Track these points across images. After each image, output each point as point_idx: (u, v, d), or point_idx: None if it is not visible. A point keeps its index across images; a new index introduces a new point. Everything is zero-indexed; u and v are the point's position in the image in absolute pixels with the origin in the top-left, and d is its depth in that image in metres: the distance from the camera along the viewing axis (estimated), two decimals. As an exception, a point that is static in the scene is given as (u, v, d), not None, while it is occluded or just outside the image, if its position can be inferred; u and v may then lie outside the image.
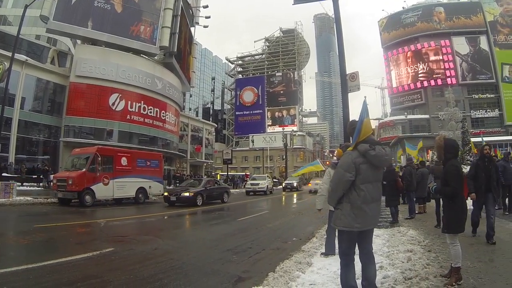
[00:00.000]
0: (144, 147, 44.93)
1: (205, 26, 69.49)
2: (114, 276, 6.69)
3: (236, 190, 48.57)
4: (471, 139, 47.34)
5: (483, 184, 9.20)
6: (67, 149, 37.02)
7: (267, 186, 41.10)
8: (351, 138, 5.39)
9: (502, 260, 7.42)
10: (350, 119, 7.80)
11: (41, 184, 33.27)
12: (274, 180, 61.24)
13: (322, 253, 8.23)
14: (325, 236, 8.63)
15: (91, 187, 21.51)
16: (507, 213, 14.10)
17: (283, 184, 51.26)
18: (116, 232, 12.34)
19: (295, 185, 48.10)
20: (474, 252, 7.80)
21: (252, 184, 41.31)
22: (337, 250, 8.06)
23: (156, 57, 53.57)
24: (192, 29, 66.51)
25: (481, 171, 9.28)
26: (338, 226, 5.07)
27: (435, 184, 6.23)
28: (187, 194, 23.15)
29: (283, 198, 34.35)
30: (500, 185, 13.69)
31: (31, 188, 30.67)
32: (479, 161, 9.71)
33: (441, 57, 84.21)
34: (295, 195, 38.70)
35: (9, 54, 27.65)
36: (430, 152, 35.10)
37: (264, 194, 38.85)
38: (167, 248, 9.72)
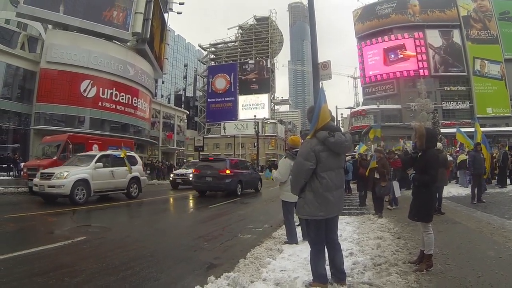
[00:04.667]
0: (115, 134, 44.77)
1: (178, 13, 69.08)
2: (86, 265, 6.69)
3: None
4: (441, 129, 47.70)
5: None
6: (38, 137, 36.49)
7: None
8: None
9: (469, 247, 7.59)
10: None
11: (11, 173, 32.81)
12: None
13: (285, 242, 8.24)
14: (297, 223, 8.69)
15: (62, 175, 21.23)
16: (475, 202, 14.38)
17: (171, 176, 31.78)
18: (88, 220, 12.29)
19: (191, 178, 25.31)
20: (442, 239, 7.90)
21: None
22: (299, 239, 8.17)
23: (128, 43, 53.24)
24: (165, 15, 66.13)
25: None
26: (302, 215, 5.13)
27: (413, 172, 6.26)
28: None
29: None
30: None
31: (0, 177, 30.15)
32: None
33: (414, 49, 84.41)
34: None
35: (-23, 39, 27.20)
36: (402, 141, 35.20)
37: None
38: (138, 235, 9.76)
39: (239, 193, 21.64)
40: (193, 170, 23.96)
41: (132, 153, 22.56)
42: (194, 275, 6.29)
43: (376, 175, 12.49)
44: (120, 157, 19.26)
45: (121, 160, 19.15)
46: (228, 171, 21.11)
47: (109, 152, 20.36)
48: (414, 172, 6.19)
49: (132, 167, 19.59)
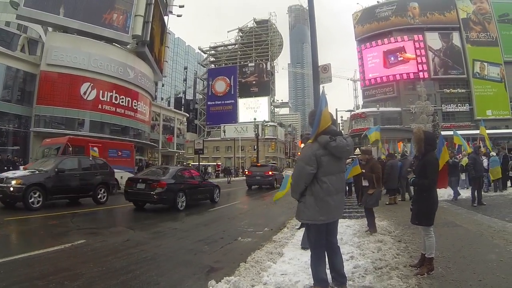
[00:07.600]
0: (115, 137, 44.70)
1: (178, 15, 69.15)
2: (87, 269, 6.68)
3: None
4: (441, 132, 47.61)
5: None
6: (38, 139, 36.43)
7: None
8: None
9: (470, 250, 7.58)
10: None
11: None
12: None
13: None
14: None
15: (62, 178, 21.04)
16: (475, 205, 14.36)
17: None
18: (88, 223, 12.26)
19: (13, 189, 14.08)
20: (443, 242, 7.88)
21: None
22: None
23: (128, 46, 53.21)
24: (165, 18, 66.14)
25: None
26: (302, 220, 5.11)
27: (414, 176, 6.26)
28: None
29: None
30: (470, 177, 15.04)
31: None
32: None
33: (413, 52, 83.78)
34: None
35: (-23, 41, 27.14)
36: (401, 144, 35.24)
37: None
38: (138, 239, 9.72)
39: (275, 186, 30.79)
40: (246, 172, 38.85)
41: None
42: (195, 278, 6.32)
43: (365, 182, 10.24)
44: None
45: None
46: (270, 172, 32.16)
47: None
48: (414, 176, 6.20)
49: None
